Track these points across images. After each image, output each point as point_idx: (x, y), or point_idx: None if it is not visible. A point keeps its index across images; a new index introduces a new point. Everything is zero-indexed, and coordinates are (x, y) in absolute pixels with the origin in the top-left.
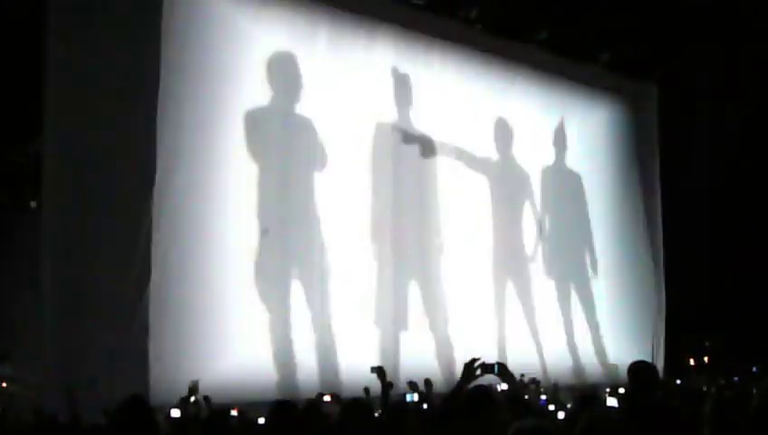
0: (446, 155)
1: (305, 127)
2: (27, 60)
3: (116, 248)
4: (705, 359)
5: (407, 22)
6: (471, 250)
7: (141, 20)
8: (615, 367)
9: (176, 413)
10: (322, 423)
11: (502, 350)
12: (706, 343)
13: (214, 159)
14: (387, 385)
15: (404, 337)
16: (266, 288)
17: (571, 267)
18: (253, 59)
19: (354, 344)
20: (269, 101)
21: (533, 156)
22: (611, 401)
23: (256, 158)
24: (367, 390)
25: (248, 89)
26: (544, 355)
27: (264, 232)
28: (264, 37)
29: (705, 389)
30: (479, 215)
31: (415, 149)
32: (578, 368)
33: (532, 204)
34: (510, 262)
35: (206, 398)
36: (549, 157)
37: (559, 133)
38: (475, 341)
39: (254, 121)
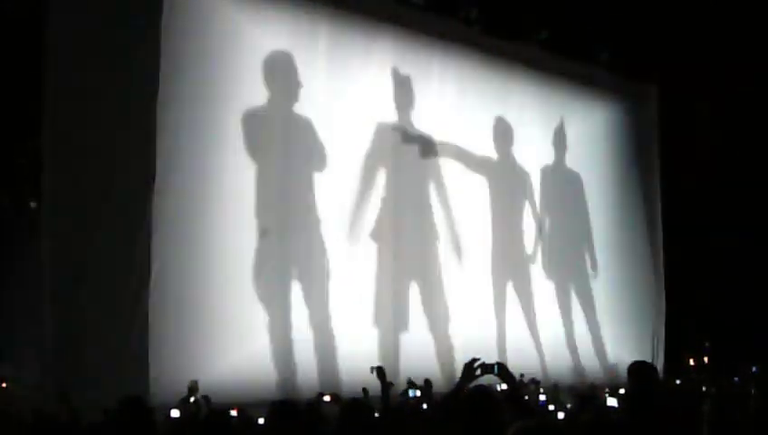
0: (446, 155)
1: (305, 127)
2: (27, 59)
3: (116, 248)
4: (705, 359)
5: (407, 22)
6: (471, 250)
7: (141, 20)
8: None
9: (176, 413)
10: (322, 423)
11: (502, 350)
12: (706, 343)
13: (214, 159)
14: (387, 385)
15: (404, 337)
16: (266, 288)
17: (570, 267)
18: (253, 59)
19: (354, 344)
20: (269, 101)
21: (533, 156)
22: (611, 401)
23: (256, 158)
24: (365, 390)
25: (248, 89)
26: (544, 355)
27: (264, 232)
28: (264, 37)
29: (705, 389)
30: (479, 215)
31: (415, 149)
32: (578, 368)
33: (532, 204)
34: (510, 262)
35: (205, 398)
36: (549, 157)
37: (559, 133)
38: (475, 341)
39: (254, 121)
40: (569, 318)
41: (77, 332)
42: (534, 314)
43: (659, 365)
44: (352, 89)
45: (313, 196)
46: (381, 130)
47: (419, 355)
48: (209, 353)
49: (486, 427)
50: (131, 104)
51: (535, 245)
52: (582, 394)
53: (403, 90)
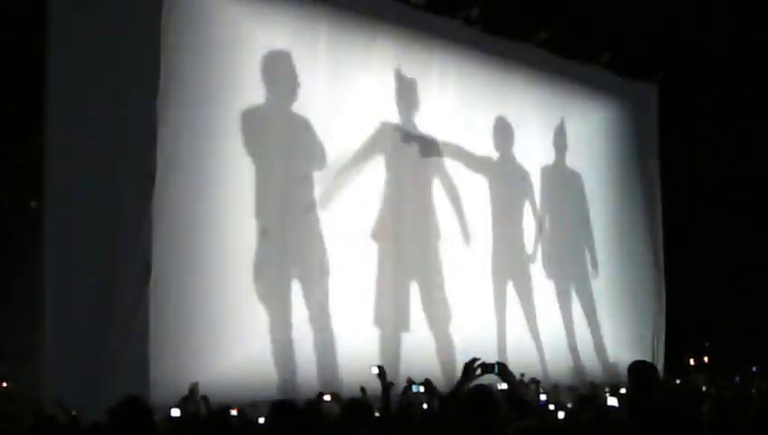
0: (446, 155)
1: (305, 127)
2: (27, 60)
3: (116, 248)
4: (705, 359)
5: (407, 22)
6: (471, 250)
7: (141, 20)
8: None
9: (176, 413)
10: (322, 423)
11: (502, 349)
12: (706, 343)
13: (214, 159)
14: (387, 385)
15: (404, 337)
16: (266, 288)
17: (571, 267)
18: (253, 59)
19: (354, 344)
20: (269, 101)
21: (533, 156)
22: (611, 401)
23: (256, 157)
24: (363, 389)
25: (248, 89)
26: (544, 355)
27: (264, 232)
28: (264, 37)
29: (705, 389)
30: (479, 214)
31: (415, 148)
32: (578, 368)
33: (532, 204)
34: (510, 262)
35: (204, 398)
36: (549, 156)
37: (559, 133)
38: (475, 341)
39: (254, 121)
40: (569, 318)
41: (77, 332)
42: (535, 314)
43: (659, 365)
44: (352, 88)
45: (313, 195)
46: (382, 130)
47: (420, 355)
48: (209, 353)
49: (486, 426)
50: (131, 104)
51: (535, 244)
52: (582, 394)
53: (403, 89)
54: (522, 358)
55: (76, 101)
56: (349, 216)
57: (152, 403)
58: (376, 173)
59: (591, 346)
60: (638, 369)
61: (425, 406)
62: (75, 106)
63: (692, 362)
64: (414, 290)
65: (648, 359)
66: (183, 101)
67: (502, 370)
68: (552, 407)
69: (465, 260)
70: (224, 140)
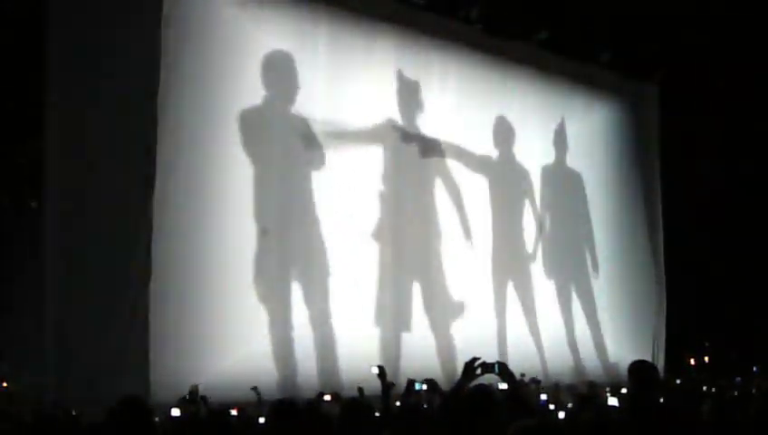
0: (446, 154)
1: (305, 127)
2: (27, 59)
3: (116, 248)
4: (706, 359)
5: (407, 22)
6: (471, 250)
7: (141, 20)
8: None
9: (176, 413)
10: (322, 423)
11: (502, 349)
12: (706, 343)
13: (214, 159)
14: (387, 385)
15: (404, 337)
16: (266, 288)
17: (571, 266)
18: (253, 59)
19: (354, 344)
20: (269, 101)
21: (533, 155)
22: (612, 401)
23: (256, 158)
24: (361, 390)
25: (248, 89)
26: (545, 355)
27: (264, 232)
28: (265, 37)
29: (705, 389)
30: (479, 214)
31: (415, 148)
32: (578, 367)
33: (533, 203)
34: (510, 261)
35: (203, 398)
36: (549, 156)
37: (559, 133)
38: (475, 340)
39: (254, 121)
40: (569, 317)
41: (77, 332)
42: (535, 314)
43: (659, 365)
44: (353, 88)
45: (313, 195)
46: (382, 130)
47: (420, 355)
48: (209, 353)
49: (486, 427)
50: (131, 104)
51: (536, 244)
52: (583, 394)
53: (403, 89)
54: (522, 358)
55: (76, 101)
56: (349, 216)
57: (152, 403)
58: (376, 173)
59: (592, 346)
60: (638, 369)
61: (425, 406)
62: (75, 106)
63: (692, 361)
64: (414, 290)
65: (649, 359)
66: (183, 101)
67: (502, 369)
68: (552, 407)
69: (466, 260)
70: (224, 140)
